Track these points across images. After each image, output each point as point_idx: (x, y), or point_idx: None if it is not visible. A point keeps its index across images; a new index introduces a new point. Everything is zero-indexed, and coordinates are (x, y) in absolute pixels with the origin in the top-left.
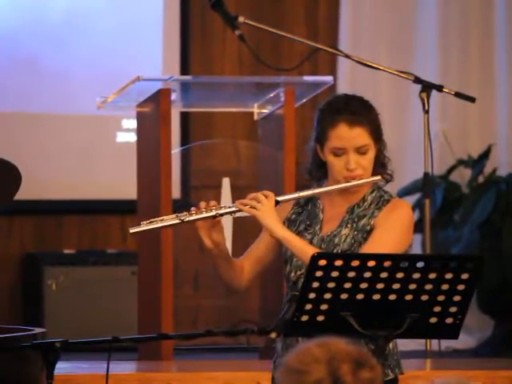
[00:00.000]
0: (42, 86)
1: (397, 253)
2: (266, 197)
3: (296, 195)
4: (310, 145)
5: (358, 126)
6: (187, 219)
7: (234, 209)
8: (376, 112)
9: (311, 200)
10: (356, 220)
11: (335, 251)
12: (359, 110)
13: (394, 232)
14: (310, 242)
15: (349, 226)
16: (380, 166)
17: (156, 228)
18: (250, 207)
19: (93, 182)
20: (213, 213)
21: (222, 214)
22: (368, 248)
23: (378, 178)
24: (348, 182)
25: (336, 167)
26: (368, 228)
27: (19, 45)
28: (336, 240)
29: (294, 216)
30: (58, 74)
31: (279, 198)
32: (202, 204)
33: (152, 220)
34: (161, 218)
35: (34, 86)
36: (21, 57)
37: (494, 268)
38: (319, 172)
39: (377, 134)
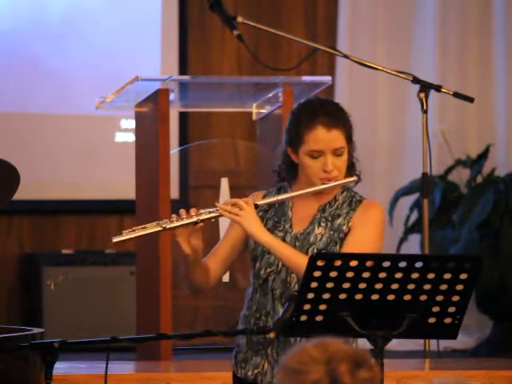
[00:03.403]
0: (42, 86)
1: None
2: (246, 202)
3: (275, 199)
4: (280, 147)
5: (335, 128)
6: (169, 226)
7: (215, 214)
8: (348, 114)
9: None
10: (330, 219)
11: (311, 250)
12: (335, 113)
13: (370, 233)
14: (283, 239)
15: (322, 224)
16: (350, 166)
17: (138, 236)
18: (232, 213)
19: (91, 181)
20: (194, 219)
21: (203, 220)
22: (349, 249)
23: (354, 179)
24: (324, 183)
25: (312, 169)
26: (344, 228)
27: (19, 45)
28: (311, 239)
29: (261, 213)
30: (58, 74)
31: (258, 202)
32: (183, 212)
33: (134, 228)
34: (143, 226)
35: (34, 86)
36: (21, 57)
37: (492, 268)
38: (290, 174)
39: (350, 136)
